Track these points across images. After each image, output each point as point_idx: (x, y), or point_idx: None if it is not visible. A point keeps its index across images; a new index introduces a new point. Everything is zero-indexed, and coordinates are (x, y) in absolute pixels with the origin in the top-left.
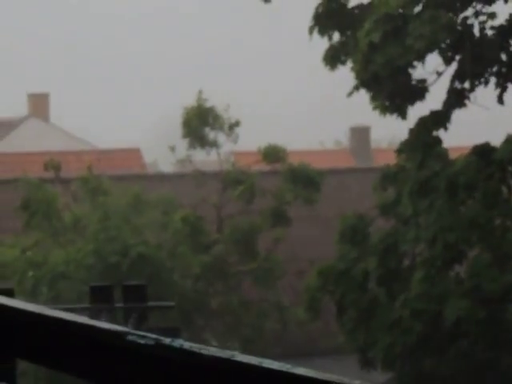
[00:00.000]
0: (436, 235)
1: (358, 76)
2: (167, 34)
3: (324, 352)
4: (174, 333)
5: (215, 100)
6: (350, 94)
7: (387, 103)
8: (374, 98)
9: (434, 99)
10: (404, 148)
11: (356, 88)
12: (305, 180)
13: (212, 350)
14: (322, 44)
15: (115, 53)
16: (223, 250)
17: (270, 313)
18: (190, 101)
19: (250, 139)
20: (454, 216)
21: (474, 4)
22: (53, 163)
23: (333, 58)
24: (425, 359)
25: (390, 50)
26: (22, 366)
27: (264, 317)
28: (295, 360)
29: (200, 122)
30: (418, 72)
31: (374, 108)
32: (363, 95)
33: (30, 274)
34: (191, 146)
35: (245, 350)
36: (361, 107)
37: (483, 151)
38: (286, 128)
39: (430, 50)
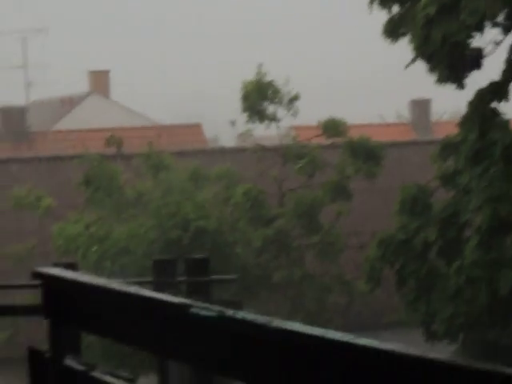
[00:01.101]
0: (486, 202)
1: (416, 49)
2: (224, 7)
3: (388, 325)
4: (236, 306)
5: (274, 73)
6: (407, 66)
7: (445, 74)
8: (431, 70)
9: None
10: (464, 120)
11: (413, 60)
12: (365, 153)
13: (274, 322)
14: (381, 17)
15: (173, 29)
16: (285, 224)
17: (333, 286)
18: (250, 74)
19: (310, 113)
20: (507, 183)
21: None
22: (114, 139)
23: (393, 31)
24: (488, 329)
25: (445, 23)
26: (88, 339)
27: (327, 290)
28: (359, 333)
29: (259, 96)
30: (476, 41)
31: (435, 81)
32: (424, 67)
33: (94, 248)
34: (250, 120)
35: (308, 324)
36: (422, 79)
37: None
38: (347, 101)
39: (485, 24)
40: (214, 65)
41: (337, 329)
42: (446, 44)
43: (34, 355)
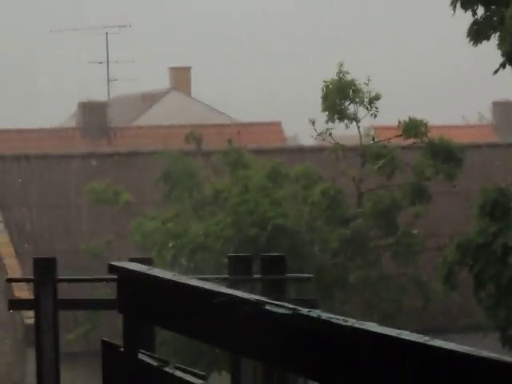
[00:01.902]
0: None
1: (505, 53)
2: (302, 10)
3: (464, 329)
4: (311, 305)
5: (355, 73)
6: (496, 72)
7: None
8: None
9: None
10: None
11: (502, 66)
12: (446, 155)
13: (350, 321)
14: (463, 19)
15: (255, 29)
16: (363, 224)
17: (409, 288)
18: (330, 74)
19: (391, 114)
20: None
21: None
22: (194, 136)
23: (477, 34)
24: None
25: None
26: (162, 335)
27: (403, 292)
28: (434, 335)
29: (340, 96)
30: None
31: None
32: (508, 70)
33: (170, 244)
34: (330, 119)
35: (383, 326)
36: (505, 81)
37: None
38: (428, 102)
39: None
40: (295, 63)
41: (412, 331)
42: None
43: (107, 348)
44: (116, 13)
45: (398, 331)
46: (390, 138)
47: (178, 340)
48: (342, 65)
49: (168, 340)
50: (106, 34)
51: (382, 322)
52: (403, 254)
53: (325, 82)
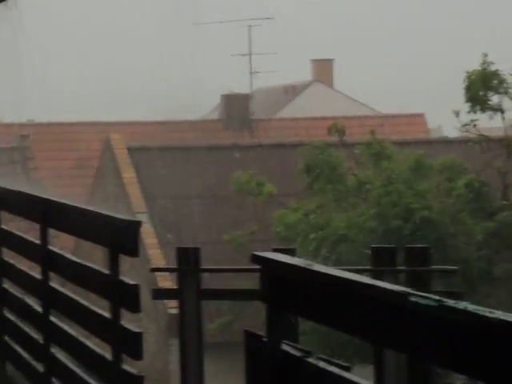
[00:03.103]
0: None
1: None
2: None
3: None
4: (456, 297)
5: (501, 65)
6: None
7: None
8: None
9: None
10: None
11: None
12: None
13: (497, 313)
14: None
15: (400, 20)
16: (508, 217)
17: None
18: (475, 64)
19: None
20: None
21: None
22: (337, 127)
23: None
24: None
25: None
26: (304, 326)
27: None
28: None
29: (483, 87)
30: None
31: None
32: None
33: (312, 236)
34: (474, 110)
35: None
36: None
37: None
38: None
39: None
40: (435, 54)
41: None
42: None
43: (250, 339)
44: (259, 5)
45: None
46: None
47: (319, 331)
48: (486, 55)
49: (310, 331)
50: (249, 26)
51: None
52: None
53: (467, 72)
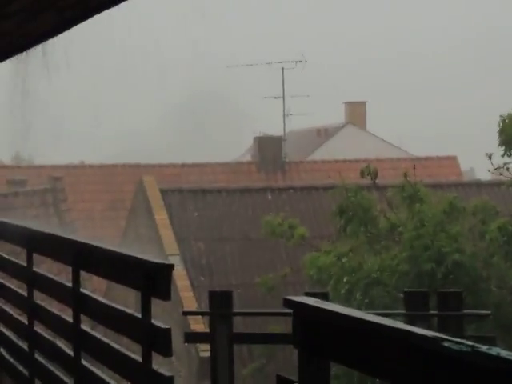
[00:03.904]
0: None
1: None
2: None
3: None
4: (489, 342)
5: None
6: None
7: None
8: None
9: None
10: None
11: None
12: None
13: None
14: None
15: (426, 63)
16: None
17: None
18: (509, 108)
19: None
20: None
21: None
22: (369, 170)
23: None
24: None
25: None
26: (337, 367)
27: None
28: None
29: None
30: None
31: None
32: None
33: (345, 279)
34: (507, 153)
35: None
36: None
37: None
38: None
39: None
40: (469, 97)
41: None
42: None
43: None
44: (292, 49)
45: None
46: None
47: (352, 374)
48: None
49: (342, 374)
50: (282, 69)
51: None
52: None
53: (501, 116)
